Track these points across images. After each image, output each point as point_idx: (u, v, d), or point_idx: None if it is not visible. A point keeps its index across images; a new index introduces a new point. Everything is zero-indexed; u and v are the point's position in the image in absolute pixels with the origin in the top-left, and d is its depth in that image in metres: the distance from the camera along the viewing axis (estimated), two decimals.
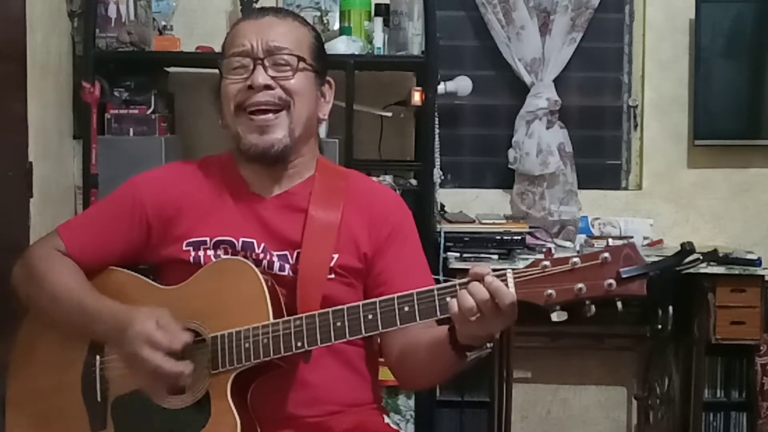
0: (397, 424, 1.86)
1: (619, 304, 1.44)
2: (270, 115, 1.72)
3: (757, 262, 3.39)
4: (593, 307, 1.44)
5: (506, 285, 1.47)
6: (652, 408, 3.76)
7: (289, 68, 1.73)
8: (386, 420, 1.82)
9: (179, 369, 1.60)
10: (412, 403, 3.37)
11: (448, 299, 1.50)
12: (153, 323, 1.61)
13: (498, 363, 3.52)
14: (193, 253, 1.75)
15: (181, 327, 1.64)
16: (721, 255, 3.40)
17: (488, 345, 1.56)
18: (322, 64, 1.81)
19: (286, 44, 1.73)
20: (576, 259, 1.44)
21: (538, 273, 1.46)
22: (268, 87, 1.71)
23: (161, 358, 1.59)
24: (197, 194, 1.80)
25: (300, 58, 1.74)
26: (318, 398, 1.72)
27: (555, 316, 1.45)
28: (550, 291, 1.44)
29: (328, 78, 1.84)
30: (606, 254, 1.43)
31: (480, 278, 1.48)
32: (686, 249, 1.40)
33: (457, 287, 1.50)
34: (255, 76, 1.71)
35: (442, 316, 1.52)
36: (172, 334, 1.61)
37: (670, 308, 3.51)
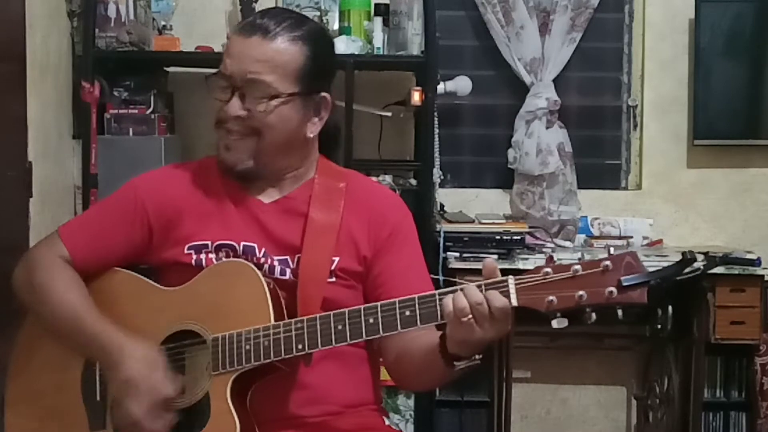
0: (397, 425, 1.85)
1: (620, 312, 1.45)
2: (235, 136, 1.71)
3: (756, 262, 3.38)
4: (594, 315, 1.45)
5: (507, 291, 1.47)
6: (652, 408, 3.76)
7: (265, 101, 1.69)
8: (386, 422, 1.81)
9: (156, 428, 1.62)
10: (411, 403, 3.37)
11: (445, 300, 1.50)
12: (145, 370, 1.63)
13: (498, 363, 3.52)
14: (194, 257, 1.75)
15: (169, 375, 1.64)
16: (720, 255, 3.41)
17: (477, 357, 1.57)
18: (317, 81, 1.74)
19: (265, 77, 1.67)
20: (577, 267, 1.45)
21: (540, 279, 1.46)
22: (238, 117, 1.70)
23: (141, 414, 1.61)
24: (198, 196, 1.79)
25: (274, 96, 1.69)
26: (318, 399, 1.72)
27: (555, 323, 1.46)
28: (551, 298, 1.45)
29: (324, 95, 1.77)
30: (607, 262, 1.44)
31: (489, 274, 1.49)
32: (687, 258, 1.41)
33: (459, 291, 1.50)
34: (229, 106, 1.69)
35: (443, 321, 1.52)
36: (158, 388, 1.62)
37: (670, 308, 3.51)
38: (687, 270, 1.42)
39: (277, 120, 1.71)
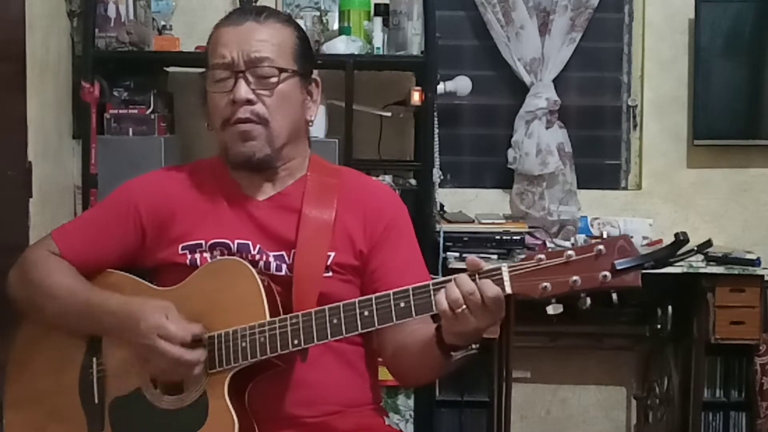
0: (397, 424, 1.85)
1: (615, 296, 1.44)
2: (250, 125, 1.72)
3: (756, 262, 3.39)
4: (588, 300, 1.45)
5: (501, 279, 1.47)
6: (652, 408, 3.76)
7: (270, 80, 1.72)
8: (386, 422, 1.82)
9: (196, 357, 1.62)
10: (411, 403, 3.37)
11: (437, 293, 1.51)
12: (164, 317, 1.62)
13: (497, 363, 3.52)
14: (189, 256, 1.75)
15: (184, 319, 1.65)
16: (720, 255, 3.41)
17: (474, 346, 1.57)
18: (308, 63, 1.80)
19: (267, 53, 1.72)
20: (571, 252, 1.44)
21: (533, 266, 1.46)
22: (249, 102, 1.71)
23: (178, 350, 1.60)
24: (191, 197, 1.80)
25: (281, 70, 1.73)
26: (317, 398, 1.72)
27: (551, 309, 1.46)
28: (545, 284, 1.45)
29: (314, 77, 1.83)
30: (600, 246, 1.43)
31: (475, 269, 1.49)
32: (680, 239, 1.40)
33: (452, 282, 1.50)
34: (237, 91, 1.70)
35: (438, 311, 1.52)
36: (183, 326, 1.62)
37: (670, 308, 3.52)
38: (680, 252, 1.41)
39: (282, 99, 1.73)
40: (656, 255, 1.42)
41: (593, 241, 1.45)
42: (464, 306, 1.47)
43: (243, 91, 1.70)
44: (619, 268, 1.41)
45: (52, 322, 1.78)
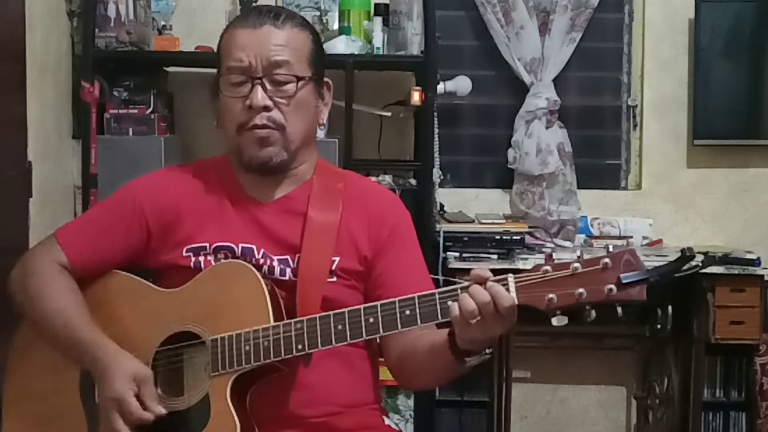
0: (397, 424, 1.85)
1: (619, 309, 1.45)
2: (267, 131, 1.72)
3: (756, 262, 3.39)
4: (593, 312, 1.45)
5: (507, 289, 1.47)
6: (652, 408, 3.76)
7: (287, 88, 1.72)
8: (386, 421, 1.81)
9: None
10: (411, 403, 3.37)
11: (449, 303, 1.50)
12: (130, 387, 1.63)
13: (497, 363, 3.52)
14: (193, 259, 1.75)
15: (157, 396, 1.65)
16: (720, 255, 3.41)
17: (488, 350, 1.57)
18: (321, 67, 1.80)
19: (286, 57, 1.71)
20: (577, 264, 1.45)
21: (539, 278, 1.46)
22: (266, 108, 1.70)
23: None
24: (196, 199, 1.80)
25: (299, 78, 1.72)
26: (318, 399, 1.72)
27: (555, 321, 1.46)
28: (551, 296, 1.45)
29: (326, 80, 1.83)
30: (607, 260, 1.43)
31: (481, 281, 1.48)
32: (686, 255, 1.40)
33: (459, 291, 1.50)
34: (254, 97, 1.70)
35: (444, 320, 1.53)
36: (146, 403, 1.63)
37: (670, 308, 3.51)
38: (685, 267, 1.41)
39: (298, 106, 1.73)
40: (662, 270, 1.42)
41: (599, 254, 1.45)
42: (479, 317, 1.47)
43: (260, 97, 1.70)
44: (624, 281, 1.42)
45: (41, 336, 1.77)
